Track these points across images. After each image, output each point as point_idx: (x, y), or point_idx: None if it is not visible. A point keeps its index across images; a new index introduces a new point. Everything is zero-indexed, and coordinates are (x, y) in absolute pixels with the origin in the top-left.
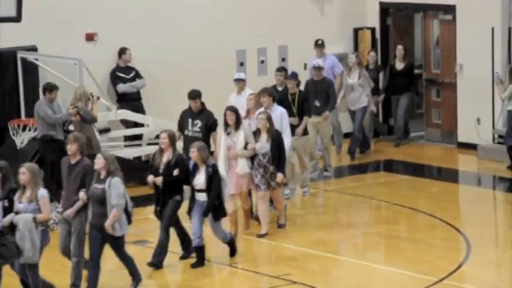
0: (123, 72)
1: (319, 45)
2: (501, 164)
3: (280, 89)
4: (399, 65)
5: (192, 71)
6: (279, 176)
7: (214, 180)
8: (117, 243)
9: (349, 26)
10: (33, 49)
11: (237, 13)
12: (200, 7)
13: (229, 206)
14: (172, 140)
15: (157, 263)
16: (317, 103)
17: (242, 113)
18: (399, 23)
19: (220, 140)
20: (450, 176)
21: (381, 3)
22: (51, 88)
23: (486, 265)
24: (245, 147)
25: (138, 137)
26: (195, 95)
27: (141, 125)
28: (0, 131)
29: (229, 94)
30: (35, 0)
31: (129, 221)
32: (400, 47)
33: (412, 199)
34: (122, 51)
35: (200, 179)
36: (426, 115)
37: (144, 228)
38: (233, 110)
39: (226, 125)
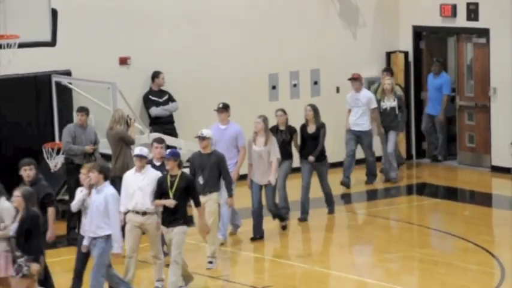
0: (156, 95)
1: (221, 109)
2: None
3: (157, 164)
4: (311, 128)
5: (224, 95)
6: (33, 267)
7: None
8: None
9: (382, 49)
10: (68, 73)
11: (269, 37)
12: (233, 31)
13: None
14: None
15: None
16: (201, 180)
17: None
18: (432, 46)
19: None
20: (483, 199)
21: (414, 26)
22: (77, 110)
23: None
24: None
25: None
26: (30, 161)
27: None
28: (34, 154)
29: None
30: (69, 24)
31: None
32: (308, 108)
33: (445, 223)
34: (155, 75)
35: None
36: (459, 138)
37: None
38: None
39: None
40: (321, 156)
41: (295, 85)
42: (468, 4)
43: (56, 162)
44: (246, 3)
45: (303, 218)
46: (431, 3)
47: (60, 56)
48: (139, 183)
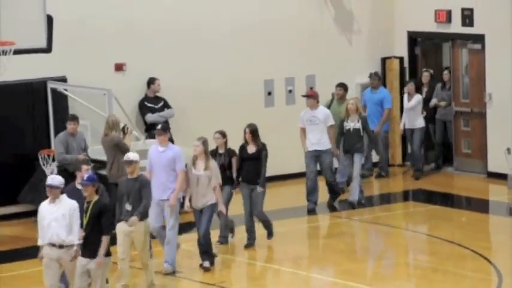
0: (151, 102)
1: (159, 131)
2: None
3: (80, 187)
4: (251, 148)
5: (220, 101)
6: None
7: None
8: None
9: (377, 55)
10: (63, 79)
11: (265, 43)
12: (229, 37)
13: None
14: None
15: None
16: (128, 207)
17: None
18: (427, 52)
19: None
20: (480, 206)
21: (409, 32)
22: (67, 119)
23: None
24: None
25: None
26: None
27: None
28: (30, 161)
29: (257, 123)
30: (65, 31)
31: None
32: (247, 130)
33: (442, 229)
34: (151, 81)
35: None
36: (455, 144)
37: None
38: None
39: None
40: (260, 180)
41: (290, 91)
42: (463, 10)
43: (52, 169)
44: (242, 9)
45: (249, 244)
46: (426, 9)
47: (56, 62)
48: (54, 215)
